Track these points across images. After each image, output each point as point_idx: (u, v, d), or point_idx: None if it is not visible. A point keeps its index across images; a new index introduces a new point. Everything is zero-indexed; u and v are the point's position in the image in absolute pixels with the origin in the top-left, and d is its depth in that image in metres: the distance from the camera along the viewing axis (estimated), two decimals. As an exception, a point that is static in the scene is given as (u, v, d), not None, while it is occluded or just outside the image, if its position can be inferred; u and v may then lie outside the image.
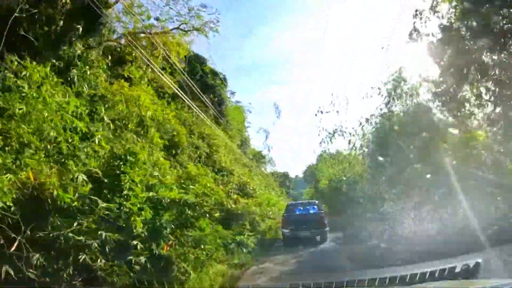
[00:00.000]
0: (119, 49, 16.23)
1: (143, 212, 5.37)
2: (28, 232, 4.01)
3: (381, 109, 14.72)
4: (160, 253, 5.18)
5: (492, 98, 9.85)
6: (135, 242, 4.80)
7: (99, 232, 4.27)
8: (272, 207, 17.31)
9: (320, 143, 16.28)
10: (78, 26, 10.06)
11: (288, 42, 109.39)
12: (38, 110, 5.83)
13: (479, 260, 3.81)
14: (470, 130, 10.79)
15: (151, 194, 6.04)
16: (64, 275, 4.03)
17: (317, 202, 20.35)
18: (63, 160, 5.31)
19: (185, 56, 23.81)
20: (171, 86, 18.63)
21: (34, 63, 7.41)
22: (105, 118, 8.92)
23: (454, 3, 10.53)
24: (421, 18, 11.34)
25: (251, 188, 16.42)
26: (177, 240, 5.78)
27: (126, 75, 14.16)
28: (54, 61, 9.54)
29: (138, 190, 5.49)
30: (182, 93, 18.67)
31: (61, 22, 9.43)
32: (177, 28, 18.30)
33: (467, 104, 10.40)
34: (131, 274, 4.58)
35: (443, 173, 11.91)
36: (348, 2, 71.34)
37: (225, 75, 29.18)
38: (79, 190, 4.70)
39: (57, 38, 9.77)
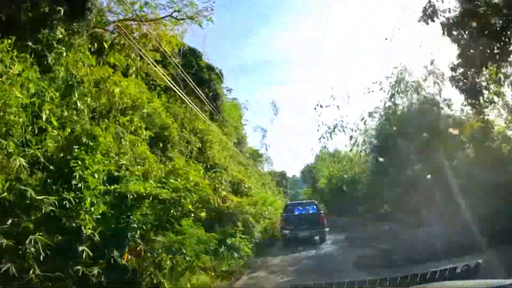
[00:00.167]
0: (106, 37, 15.24)
1: (93, 209, 4.27)
2: None
3: (385, 102, 13.82)
4: (121, 262, 4.10)
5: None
6: (84, 248, 3.71)
7: (30, 236, 3.20)
8: (268, 207, 16.20)
9: (320, 139, 15.38)
10: (60, 8, 9.50)
11: (288, 42, 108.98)
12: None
13: (480, 261, 3.76)
14: (488, 121, 9.82)
15: (113, 187, 4.96)
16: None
17: (316, 202, 19.82)
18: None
19: (179, 50, 23.06)
20: (162, 76, 17.74)
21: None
22: (79, 104, 7.85)
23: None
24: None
25: (246, 186, 15.34)
26: (149, 246, 4.71)
27: (111, 63, 13.10)
28: (31, 44, 8.86)
29: (93, 181, 4.42)
30: (173, 83, 17.65)
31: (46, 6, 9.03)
32: (169, 16, 17.28)
33: (485, 92, 9.42)
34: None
35: (446, 171, 11.09)
36: (348, 2, 70.67)
37: (221, 69, 28.17)
38: (16, 180, 3.62)
39: (38, 21, 9.33)
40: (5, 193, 3.39)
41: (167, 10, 17.64)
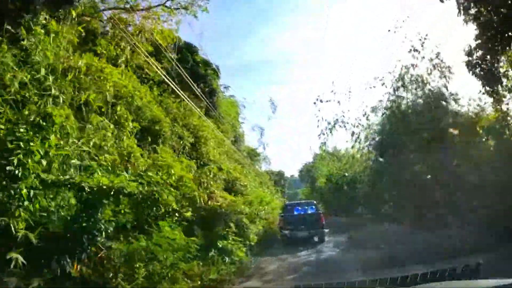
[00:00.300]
0: (96, 26, 14.42)
1: (26, 203, 3.40)
2: None
3: (389, 96, 13.02)
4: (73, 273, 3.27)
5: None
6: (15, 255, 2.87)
7: None
8: (265, 206, 15.34)
9: (319, 135, 14.55)
10: (42, -10, 9.04)
11: (288, 42, 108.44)
12: None
13: (480, 261, 3.75)
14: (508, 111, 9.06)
15: (65, 177, 4.11)
16: None
17: (315, 202, 19.63)
18: None
19: (174, 44, 22.43)
20: (155, 68, 17.01)
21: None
22: (53, 90, 7.01)
23: None
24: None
25: (241, 184, 14.50)
26: (114, 252, 3.89)
27: (98, 51, 12.28)
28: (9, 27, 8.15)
29: (35, 167, 3.58)
30: (166, 76, 16.86)
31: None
32: (162, 5, 16.49)
33: (504, 80, 8.65)
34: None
35: (459, 168, 10.40)
36: (348, 1, 70.04)
37: (218, 65, 27.39)
38: None
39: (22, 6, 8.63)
40: None
41: (160, -1, 16.91)
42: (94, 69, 9.09)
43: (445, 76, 13.31)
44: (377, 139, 13.24)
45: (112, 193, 4.31)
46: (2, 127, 3.69)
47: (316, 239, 15.50)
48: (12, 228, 3.07)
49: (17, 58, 7.53)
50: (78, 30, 11.61)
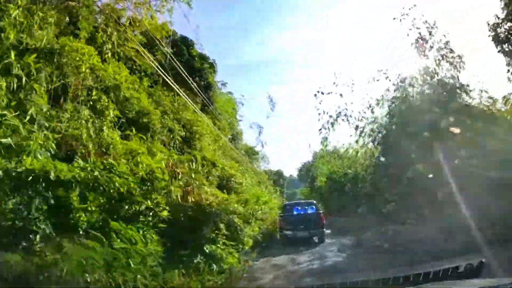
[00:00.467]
0: (81, 11, 13.46)
1: None
2: None
3: (398, 87, 12.06)
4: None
5: None
6: None
7: None
8: (262, 206, 14.30)
9: (320, 129, 13.59)
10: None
11: (288, 42, 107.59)
12: None
13: (483, 259, 3.66)
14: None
15: None
16: None
17: (315, 202, 19.43)
18: None
19: (169, 36, 21.71)
20: (147, 58, 16.17)
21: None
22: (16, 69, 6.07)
23: None
24: None
25: (236, 182, 13.53)
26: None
27: (81, 36, 11.31)
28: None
29: None
30: (159, 68, 15.94)
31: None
32: (153, -9, 15.53)
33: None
34: None
35: (483, 162, 9.50)
36: (349, 2, 69.23)
37: (215, 59, 26.47)
38: None
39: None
40: None
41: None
42: (68, 48, 8.11)
43: (455, 66, 12.39)
44: (383, 133, 12.29)
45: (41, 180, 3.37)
46: None
47: (316, 239, 15.40)
48: None
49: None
50: (62, 15, 10.73)
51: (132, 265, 3.87)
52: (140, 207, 4.94)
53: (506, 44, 7.62)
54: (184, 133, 12.76)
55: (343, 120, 13.05)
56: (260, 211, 12.90)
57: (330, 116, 13.34)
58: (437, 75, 12.82)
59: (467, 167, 10.99)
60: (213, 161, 13.41)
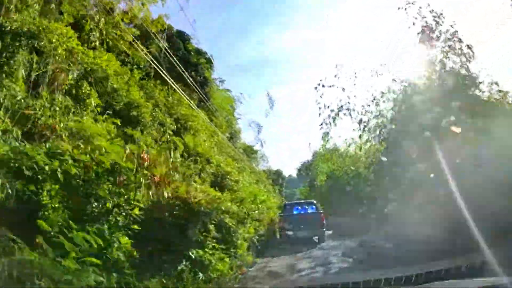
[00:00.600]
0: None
1: None
2: None
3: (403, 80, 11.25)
4: None
5: None
6: None
7: None
8: (259, 205, 13.45)
9: (321, 124, 12.78)
10: None
11: (287, 42, 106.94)
12: None
13: (485, 259, 4.30)
14: None
15: None
16: None
17: (315, 202, 19.11)
18: None
19: (164, 30, 21.12)
20: (139, 50, 15.50)
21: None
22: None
23: None
24: None
25: (232, 179, 12.71)
26: None
27: (64, 20, 10.50)
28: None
29: None
30: (152, 59, 15.18)
31: None
32: (146, -25, 14.81)
33: None
34: None
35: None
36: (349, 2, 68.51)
37: (212, 55, 25.72)
38: None
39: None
40: None
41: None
42: (47, 30, 7.30)
43: (465, 56, 11.62)
44: (389, 127, 11.49)
45: None
46: None
47: (316, 239, 15.20)
48: None
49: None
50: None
51: (92, 277, 3.08)
52: (106, 204, 4.15)
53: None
54: (175, 126, 11.93)
55: (345, 114, 12.28)
56: (257, 211, 12.05)
57: (332, 111, 12.55)
58: (445, 67, 12.03)
59: (478, 163, 10.25)
60: (208, 157, 12.59)
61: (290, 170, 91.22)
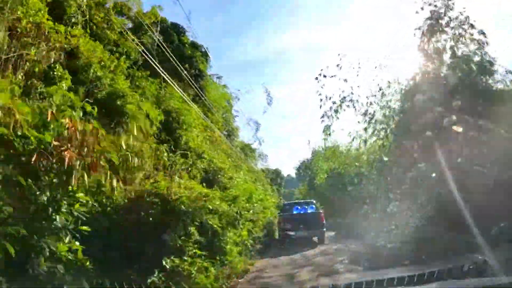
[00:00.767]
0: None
1: None
2: None
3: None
4: None
5: None
6: None
7: None
8: (255, 204, 12.34)
9: (322, 117, 11.82)
10: None
11: (287, 42, 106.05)
12: None
13: (487, 258, 4.03)
14: None
15: None
16: None
17: (314, 201, 19.06)
18: None
19: (158, 22, 20.42)
20: (127, 38, 14.73)
21: None
22: None
23: None
24: None
25: (226, 176, 11.74)
26: None
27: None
28: None
29: None
30: (142, 49, 14.30)
31: None
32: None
33: None
34: None
35: None
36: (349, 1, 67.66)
37: (207, 47, 24.79)
38: None
39: None
40: None
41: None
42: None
43: (477, 41, 10.74)
44: (396, 119, 10.54)
45: None
46: None
47: (315, 239, 15.06)
48: None
49: None
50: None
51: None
52: (41, 197, 3.20)
53: None
54: (163, 117, 10.96)
55: (348, 106, 11.33)
56: (251, 211, 11.01)
57: (334, 102, 11.61)
58: (455, 54, 11.12)
59: (480, 162, 9.45)
60: (199, 152, 11.63)
61: (289, 170, 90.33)
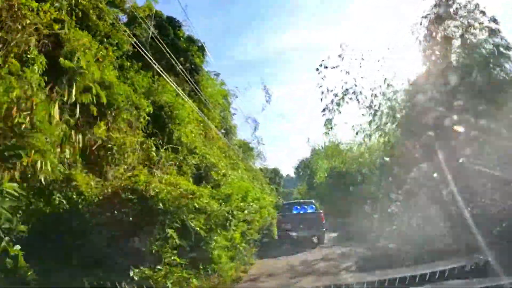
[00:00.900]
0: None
1: None
2: None
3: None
4: None
5: None
6: None
7: None
8: (250, 204, 11.39)
9: (324, 110, 11.08)
10: None
11: (287, 42, 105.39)
12: None
13: (489, 259, 3.99)
14: None
15: None
16: None
17: (313, 201, 18.93)
18: None
19: (152, 15, 19.79)
20: (119, 29, 14.06)
21: None
22: None
23: None
24: None
25: (219, 173, 10.96)
26: None
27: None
28: None
29: None
30: (134, 40, 13.58)
31: None
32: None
33: None
34: None
35: None
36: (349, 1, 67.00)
37: (204, 42, 24.08)
38: None
39: None
40: None
41: None
42: None
43: (488, 28, 10.10)
44: (403, 112, 9.79)
45: None
46: None
47: (315, 239, 14.90)
48: None
49: None
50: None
51: None
52: None
53: None
54: (152, 109, 10.21)
55: (351, 99, 10.58)
56: (246, 210, 10.11)
57: (335, 95, 10.87)
58: (466, 43, 10.42)
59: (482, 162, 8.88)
60: (191, 148, 10.86)
61: (288, 170, 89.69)
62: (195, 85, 18.90)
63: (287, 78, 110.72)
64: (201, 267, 5.65)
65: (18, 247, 2.81)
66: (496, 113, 9.28)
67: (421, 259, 7.50)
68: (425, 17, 11.44)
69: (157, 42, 16.76)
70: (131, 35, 14.53)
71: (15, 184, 3.07)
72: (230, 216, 7.20)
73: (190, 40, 22.91)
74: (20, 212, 3.13)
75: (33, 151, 3.98)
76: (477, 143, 9.20)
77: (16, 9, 6.34)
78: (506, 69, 9.65)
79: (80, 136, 6.99)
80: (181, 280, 4.74)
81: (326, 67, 11.20)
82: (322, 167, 27.26)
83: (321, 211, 16.35)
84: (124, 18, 17.23)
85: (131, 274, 4.00)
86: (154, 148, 8.99)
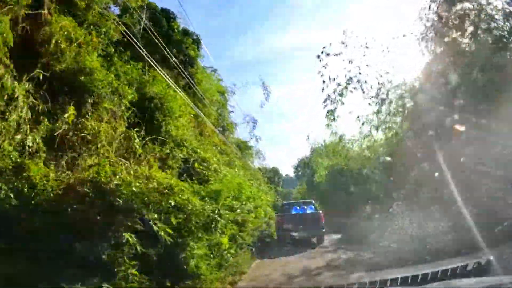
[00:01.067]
0: None
1: None
2: None
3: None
4: None
5: None
6: None
7: None
8: (244, 203, 10.18)
9: (325, 101, 10.21)
10: None
11: (287, 42, 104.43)
12: None
13: (491, 257, 3.76)
14: None
15: None
16: None
17: (313, 201, 18.64)
18: None
19: (144, 6, 19.00)
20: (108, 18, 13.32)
21: None
22: None
23: None
24: None
25: (210, 168, 10.04)
26: None
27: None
28: None
29: None
30: (124, 29, 12.76)
31: None
32: None
33: None
34: None
35: None
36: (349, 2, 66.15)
37: (199, 35, 23.29)
38: None
39: None
40: None
41: None
42: None
43: (504, 11, 9.31)
44: (413, 101, 8.89)
45: None
46: None
47: (315, 240, 14.76)
48: None
49: None
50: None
51: None
52: None
53: None
54: (137, 97, 9.32)
55: (355, 88, 9.68)
56: (238, 210, 8.97)
57: (338, 84, 9.97)
58: (478, 27, 9.58)
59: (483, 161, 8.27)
60: (180, 141, 9.95)
61: (287, 170, 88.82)
62: (189, 77, 18.04)
63: (287, 78, 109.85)
64: (169, 284, 4.40)
65: None
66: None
67: (422, 258, 7.45)
68: (434, 1, 10.59)
69: (150, 33, 16.00)
70: (120, 24, 13.78)
71: None
72: (216, 216, 6.02)
73: (185, 32, 22.13)
74: None
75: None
76: (483, 141, 8.47)
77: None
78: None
79: (47, 123, 6.13)
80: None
81: (328, 54, 10.34)
82: (322, 165, 26.38)
83: (320, 212, 15.95)
84: (116, 10, 16.56)
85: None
86: (137, 140, 8.10)
